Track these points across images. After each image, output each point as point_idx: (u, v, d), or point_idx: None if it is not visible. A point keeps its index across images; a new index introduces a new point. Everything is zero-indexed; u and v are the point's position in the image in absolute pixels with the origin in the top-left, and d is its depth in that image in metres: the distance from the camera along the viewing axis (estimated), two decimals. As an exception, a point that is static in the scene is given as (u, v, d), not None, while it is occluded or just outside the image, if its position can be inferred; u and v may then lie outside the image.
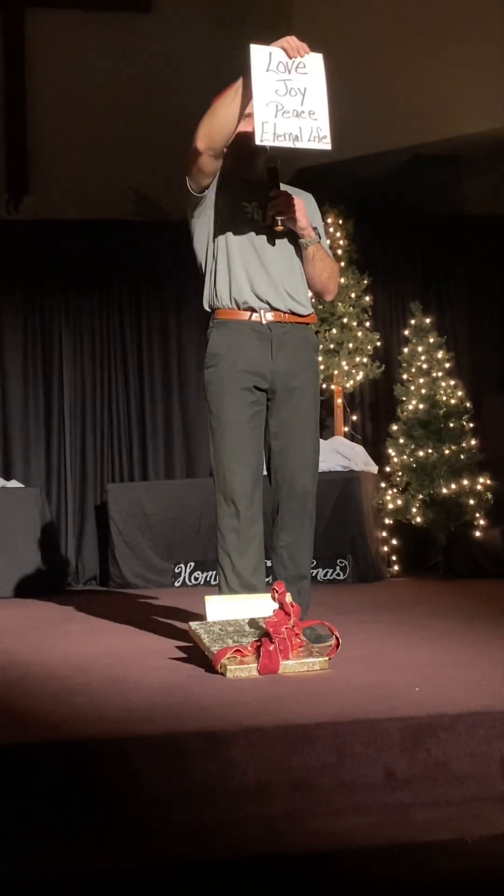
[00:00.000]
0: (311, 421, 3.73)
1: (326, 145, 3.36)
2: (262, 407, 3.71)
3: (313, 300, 4.01)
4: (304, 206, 3.70)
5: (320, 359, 7.99)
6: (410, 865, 2.09)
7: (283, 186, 3.69)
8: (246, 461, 3.64)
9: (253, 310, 3.66)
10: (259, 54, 3.32)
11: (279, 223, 3.57)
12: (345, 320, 8.08)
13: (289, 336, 3.68)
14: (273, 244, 3.65)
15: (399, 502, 7.61)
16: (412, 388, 7.85)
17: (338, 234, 8.14)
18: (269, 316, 3.66)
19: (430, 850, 2.11)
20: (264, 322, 3.65)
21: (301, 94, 3.33)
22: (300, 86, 3.34)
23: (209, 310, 3.75)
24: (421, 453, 7.59)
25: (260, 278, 3.65)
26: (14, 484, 7.66)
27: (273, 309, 3.66)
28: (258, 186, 3.68)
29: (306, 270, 3.73)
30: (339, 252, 8.10)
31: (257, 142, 3.32)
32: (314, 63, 3.40)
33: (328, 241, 3.84)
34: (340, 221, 8.18)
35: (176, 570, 7.39)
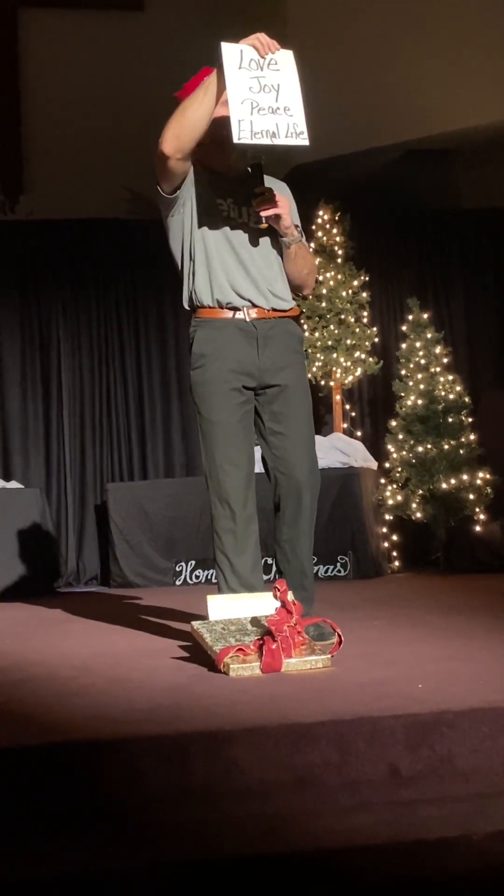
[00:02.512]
0: (305, 414, 3.71)
1: (304, 141, 3.33)
2: (251, 406, 3.70)
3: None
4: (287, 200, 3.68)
5: (319, 355, 8.05)
6: (416, 863, 2.08)
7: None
8: (238, 462, 3.63)
9: (236, 308, 3.64)
10: (230, 52, 3.30)
11: (264, 221, 3.54)
12: (342, 316, 8.07)
13: (274, 332, 3.66)
14: (256, 243, 3.63)
15: (399, 498, 7.61)
16: (410, 383, 7.84)
17: (334, 230, 8.13)
18: (253, 313, 3.64)
19: (436, 847, 2.11)
20: (248, 319, 3.64)
21: (275, 91, 3.30)
22: (273, 82, 3.31)
23: (189, 309, 3.73)
24: (420, 448, 7.59)
25: (240, 277, 3.63)
26: (14, 485, 7.66)
27: (256, 306, 3.65)
28: (233, 181, 3.65)
29: (286, 267, 3.69)
30: (336, 248, 8.10)
31: (235, 140, 3.29)
32: (285, 59, 3.37)
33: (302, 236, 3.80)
34: (336, 217, 8.17)
35: (177, 569, 7.39)
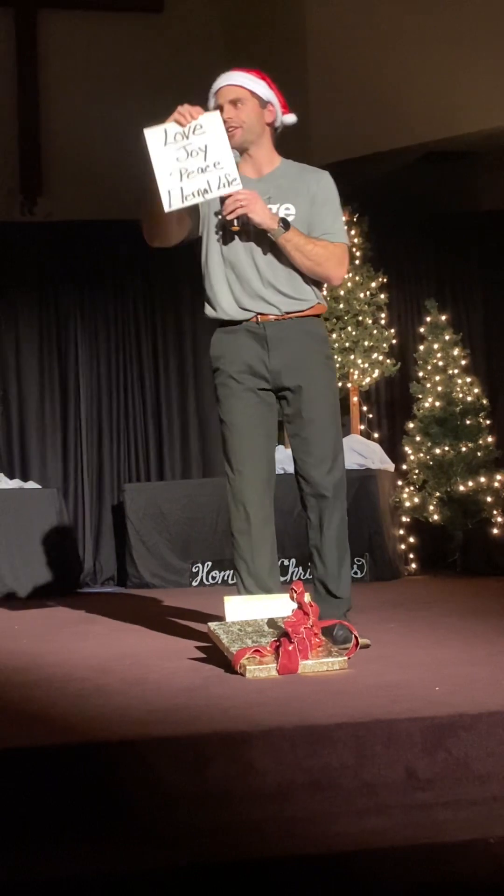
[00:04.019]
0: (326, 416, 3.64)
1: (237, 187, 3.43)
2: (272, 406, 3.68)
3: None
4: (291, 190, 3.60)
5: (336, 357, 8.03)
6: (432, 866, 2.08)
7: (287, 166, 3.67)
8: (254, 463, 3.63)
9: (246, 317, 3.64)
10: (153, 136, 3.44)
11: (235, 224, 3.52)
12: (360, 318, 8.07)
13: (286, 333, 3.61)
14: (262, 249, 3.58)
15: (416, 500, 7.60)
16: (428, 385, 7.83)
17: (352, 232, 8.13)
18: (265, 317, 3.62)
19: (453, 850, 2.10)
20: (259, 322, 3.62)
21: (203, 152, 3.40)
22: (200, 145, 3.41)
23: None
24: (437, 451, 7.57)
25: (242, 290, 3.61)
26: (31, 485, 7.68)
27: (262, 314, 3.62)
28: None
29: (293, 263, 3.60)
30: (354, 250, 8.09)
31: (165, 210, 3.42)
32: (211, 121, 3.46)
33: (341, 221, 3.68)
34: (355, 219, 8.17)
35: (193, 570, 7.39)
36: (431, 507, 7.54)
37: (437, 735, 2.38)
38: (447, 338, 7.93)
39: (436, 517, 7.54)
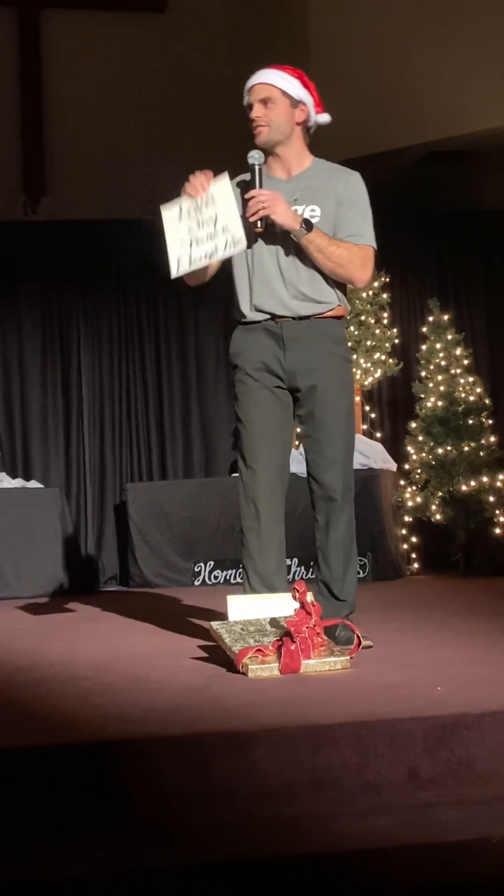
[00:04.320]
0: (339, 418, 3.63)
1: (242, 246, 3.48)
2: (288, 405, 3.67)
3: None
4: (318, 191, 3.59)
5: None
6: (434, 866, 2.08)
7: (318, 167, 3.66)
8: (266, 461, 3.62)
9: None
10: (169, 213, 3.52)
11: (258, 225, 3.51)
12: (362, 318, 8.06)
13: (303, 333, 3.61)
14: (286, 250, 3.58)
15: (418, 500, 7.59)
16: (430, 385, 7.82)
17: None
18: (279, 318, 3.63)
19: (455, 850, 2.10)
20: (277, 322, 3.62)
21: (213, 221, 3.46)
22: (211, 215, 3.48)
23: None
24: (440, 450, 7.57)
25: (264, 290, 3.61)
26: (34, 484, 7.68)
27: (279, 316, 3.62)
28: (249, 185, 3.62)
29: (315, 263, 3.60)
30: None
31: (172, 275, 3.50)
32: (220, 188, 3.51)
33: (365, 223, 3.67)
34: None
35: (195, 570, 7.39)
36: (434, 507, 7.54)
37: (440, 735, 2.38)
38: (449, 337, 7.92)
39: (438, 517, 7.54)
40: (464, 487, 7.44)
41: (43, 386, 8.47)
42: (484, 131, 8.09)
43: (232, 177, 3.60)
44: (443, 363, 7.85)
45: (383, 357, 8.12)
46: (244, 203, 3.55)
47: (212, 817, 2.24)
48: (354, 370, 8.02)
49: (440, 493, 7.53)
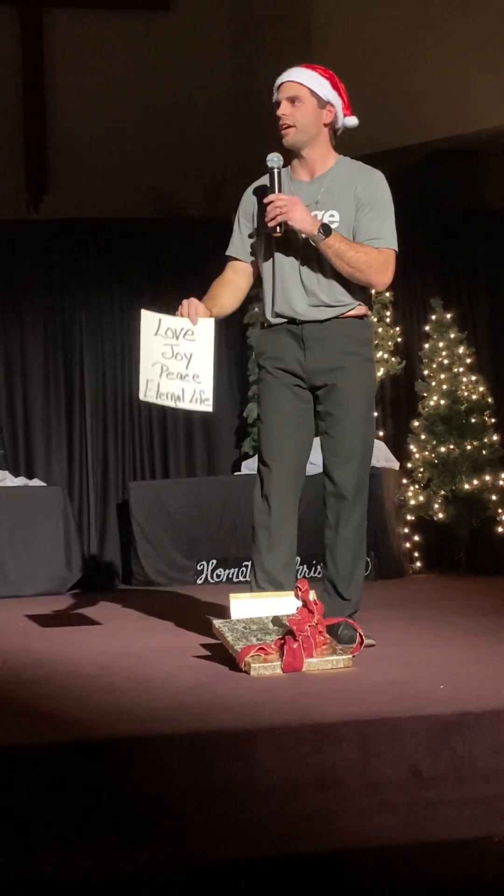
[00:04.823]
0: (356, 416, 3.63)
1: (208, 407, 3.52)
2: (308, 404, 3.68)
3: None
4: (339, 194, 3.57)
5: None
6: (437, 864, 2.09)
7: (341, 167, 3.63)
8: (282, 459, 3.63)
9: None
10: (147, 320, 3.54)
11: (277, 230, 3.50)
12: (365, 316, 8.05)
13: (324, 334, 3.60)
14: (307, 255, 3.57)
15: (421, 498, 7.59)
16: (433, 383, 7.82)
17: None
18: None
19: (457, 848, 2.11)
20: (298, 323, 3.62)
21: (186, 359, 3.48)
22: (186, 351, 3.50)
23: None
24: (443, 449, 7.57)
25: (281, 299, 3.61)
26: (36, 482, 7.68)
27: (299, 321, 3.62)
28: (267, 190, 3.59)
29: (334, 267, 3.58)
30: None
31: (140, 398, 3.52)
32: (203, 329, 3.53)
33: (387, 225, 3.66)
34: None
35: (198, 568, 7.39)
36: (436, 506, 7.54)
37: (442, 733, 2.38)
38: (452, 336, 7.92)
39: (441, 516, 7.54)
40: (466, 486, 7.44)
41: (45, 384, 8.47)
42: (487, 130, 8.08)
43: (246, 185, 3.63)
44: (445, 362, 7.85)
45: (386, 356, 8.11)
46: (262, 207, 3.53)
47: (214, 815, 2.24)
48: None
49: (443, 492, 7.53)
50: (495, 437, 7.69)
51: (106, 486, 8.49)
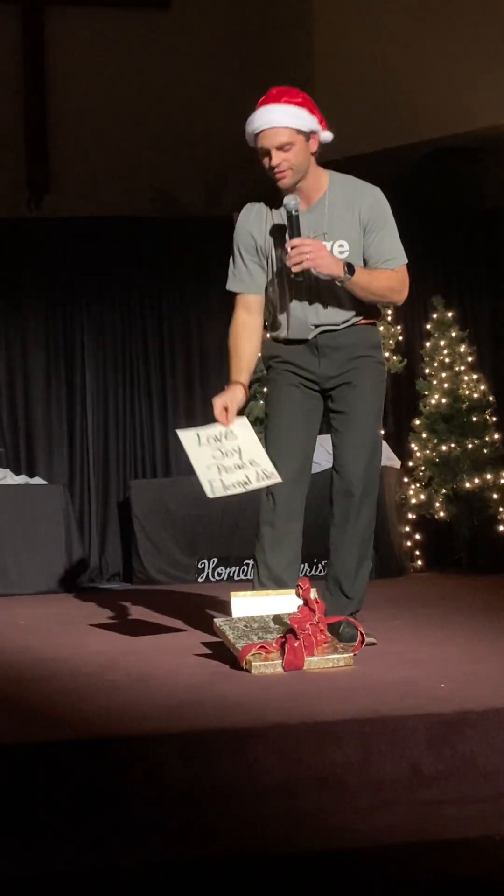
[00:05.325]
0: (366, 414, 3.65)
1: (276, 479, 3.50)
2: (317, 403, 3.70)
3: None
4: (343, 222, 3.53)
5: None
6: (437, 863, 2.08)
7: (335, 188, 3.57)
8: (288, 457, 3.63)
9: None
10: (187, 438, 3.58)
11: (300, 276, 3.46)
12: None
13: (338, 342, 3.63)
14: (317, 282, 3.57)
15: (422, 497, 7.59)
16: (434, 382, 7.82)
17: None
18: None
19: (458, 847, 2.11)
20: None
21: (237, 452, 3.51)
22: (233, 447, 3.53)
23: None
24: (444, 448, 7.56)
25: (295, 328, 3.63)
26: (37, 481, 7.68)
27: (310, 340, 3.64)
28: (283, 229, 3.56)
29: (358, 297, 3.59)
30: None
31: (209, 496, 3.49)
32: (240, 426, 3.56)
33: (395, 246, 3.64)
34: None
35: (199, 566, 7.39)
36: (437, 504, 7.54)
37: (443, 732, 2.38)
38: (453, 334, 7.91)
39: (442, 514, 7.53)
40: (467, 485, 7.44)
41: (47, 382, 8.47)
42: (488, 128, 8.08)
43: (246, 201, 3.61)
44: (447, 360, 7.84)
45: (387, 354, 8.10)
46: (283, 249, 3.50)
47: (214, 814, 2.24)
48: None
49: (444, 491, 7.52)
50: (496, 436, 7.69)
51: (107, 484, 8.49)
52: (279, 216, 3.57)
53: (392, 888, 2.06)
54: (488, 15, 7.91)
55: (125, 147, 8.91)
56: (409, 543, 7.67)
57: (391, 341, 8.12)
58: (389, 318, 8.20)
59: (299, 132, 3.46)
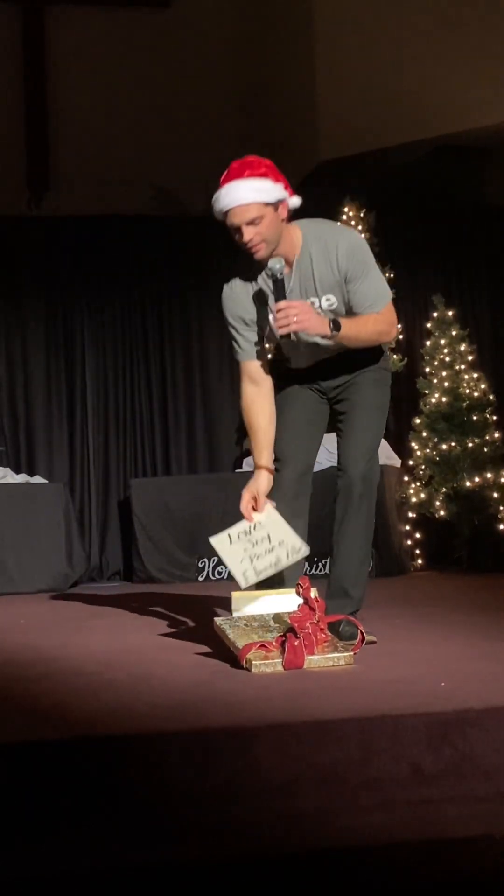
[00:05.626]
0: (367, 414, 3.69)
1: (306, 551, 3.52)
2: (323, 407, 3.75)
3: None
4: (325, 277, 3.51)
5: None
6: (438, 862, 2.08)
7: (308, 243, 3.51)
8: (294, 454, 3.69)
9: None
10: (220, 542, 3.58)
11: (290, 337, 3.46)
12: (367, 313, 8.05)
13: (344, 360, 3.68)
14: (304, 353, 3.64)
15: (422, 496, 7.59)
16: (435, 381, 7.82)
17: (359, 227, 8.12)
18: None
19: (458, 846, 2.10)
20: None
21: (266, 539, 3.52)
22: (262, 535, 3.54)
23: None
24: (444, 446, 7.57)
25: (297, 359, 3.70)
26: (38, 479, 7.69)
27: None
28: (265, 296, 3.59)
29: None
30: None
31: (243, 586, 3.50)
32: (267, 514, 3.56)
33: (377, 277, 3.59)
34: (362, 214, 8.15)
35: (199, 565, 7.40)
36: (438, 503, 7.54)
37: (443, 730, 2.38)
38: (454, 333, 7.91)
39: (442, 513, 7.54)
40: (468, 483, 7.44)
41: (47, 381, 8.47)
42: (490, 126, 8.08)
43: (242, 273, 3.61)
44: (447, 359, 7.85)
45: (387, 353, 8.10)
46: (266, 313, 3.53)
47: (215, 813, 2.24)
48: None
49: (444, 489, 7.53)
50: (497, 435, 7.69)
51: (107, 483, 8.50)
52: (261, 280, 3.56)
53: (392, 887, 2.06)
54: (491, 12, 7.91)
55: (125, 145, 8.91)
56: (409, 542, 7.67)
57: (392, 340, 8.11)
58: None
59: (267, 204, 3.40)
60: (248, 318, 3.62)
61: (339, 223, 3.82)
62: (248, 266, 3.56)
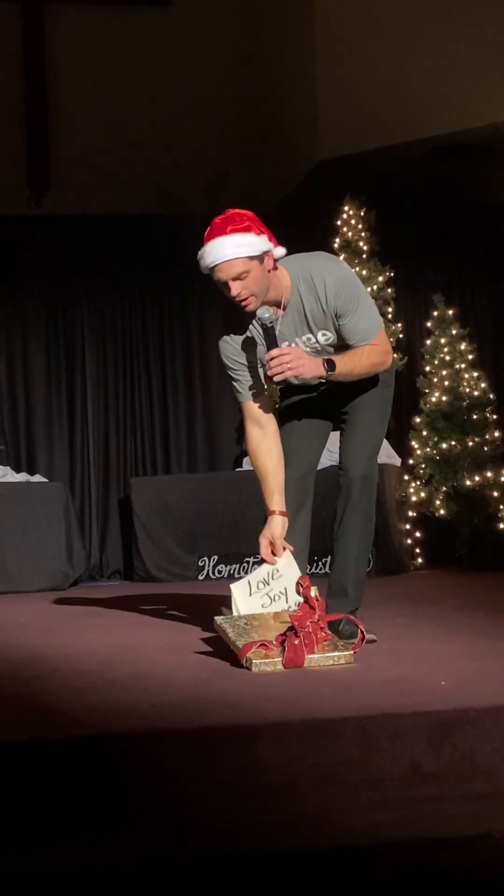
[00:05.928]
0: (370, 419, 3.72)
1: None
2: (327, 410, 3.78)
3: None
4: (317, 314, 3.52)
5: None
6: (437, 861, 2.08)
7: (296, 284, 3.51)
8: (300, 453, 3.72)
9: None
10: (239, 590, 3.51)
11: (281, 382, 3.49)
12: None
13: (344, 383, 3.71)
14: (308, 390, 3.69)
15: (422, 494, 7.59)
16: (435, 380, 7.83)
17: (359, 226, 8.11)
18: None
19: (458, 845, 2.10)
20: None
21: (283, 595, 3.48)
22: (280, 589, 3.50)
23: None
24: (444, 445, 7.57)
25: (300, 386, 3.70)
26: (38, 478, 7.69)
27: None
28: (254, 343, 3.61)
29: None
30: (361, 243, 8.08)
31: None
32: (286, 561, 3.53)
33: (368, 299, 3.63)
34: (362, 213, 8.15)
35: (199, 564, 7.40)
36: (438, 502, 7.54)
37: (443, 729, 2.38)
38: (454, 332, 7.92)
39: (442, 512, 7.54)
40: (468, 482, 7.44)
41: (47, 380, 8.47)
42: (490, 126, 8.08)
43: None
44: (447, 358, 7.85)
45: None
46: (258, 360, 3.57)
47: (215, 812, 2.24)
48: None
49: (444, 488, 7.53)
50: (497, 434, 7.69)
51: (107, 481, 8.50)
52: (253, 329, 3.57)
53: (392, 885, 2.06)
54: (490, 11, 7.90)
55: (126, 145, 8.91)
56: (409, 541, 7.68)
57: (392, 339, 8.11)
58: (390, 316, 8.20)
59: (252, 258, 3.39)
60: (247, 362, 3.65)
61: (324, 252, 3.77)
62: (240, 319, 3.57)
